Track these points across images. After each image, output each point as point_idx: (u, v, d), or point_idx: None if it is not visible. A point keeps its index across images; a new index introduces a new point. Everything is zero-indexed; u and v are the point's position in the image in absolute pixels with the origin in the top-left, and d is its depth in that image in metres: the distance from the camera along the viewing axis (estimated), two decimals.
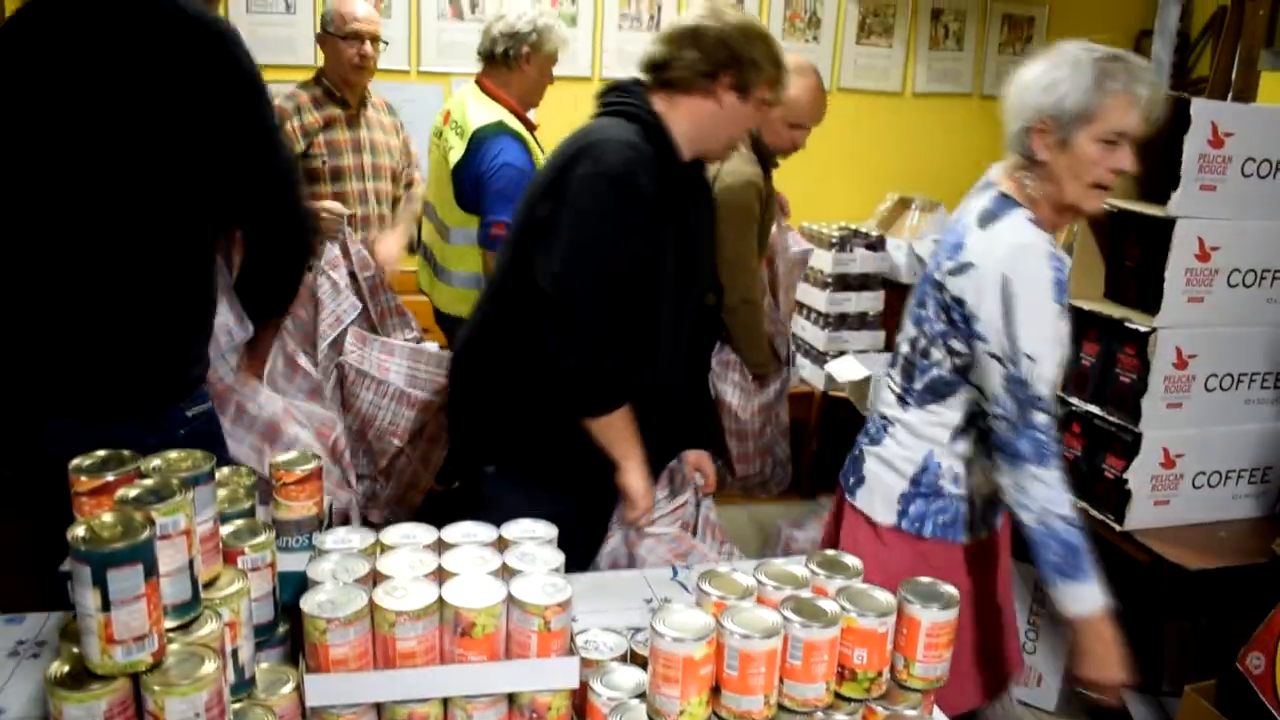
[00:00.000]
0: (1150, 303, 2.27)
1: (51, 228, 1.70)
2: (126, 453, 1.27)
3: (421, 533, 1.41)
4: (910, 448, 1.89)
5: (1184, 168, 2.07)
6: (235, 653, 1.17)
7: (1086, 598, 1.67)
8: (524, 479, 2.02)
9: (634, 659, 1.34)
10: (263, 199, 1.86)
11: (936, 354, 1.83)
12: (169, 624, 1.09)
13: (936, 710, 1.42)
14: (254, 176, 1.82)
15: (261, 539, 1.28)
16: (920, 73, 4.90)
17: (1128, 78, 1.68)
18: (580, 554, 1.96)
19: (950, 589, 1.34)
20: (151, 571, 1.02)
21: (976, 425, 1.84)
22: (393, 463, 3.02)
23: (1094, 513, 2.41)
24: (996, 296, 1.70)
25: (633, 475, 1.95)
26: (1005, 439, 1.72)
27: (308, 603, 1.19)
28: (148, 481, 1.15)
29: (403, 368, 2.97)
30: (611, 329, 1.86)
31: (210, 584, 1.19)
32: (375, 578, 1.27)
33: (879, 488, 1.93)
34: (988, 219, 1.75)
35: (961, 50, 4.94)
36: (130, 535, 1.01)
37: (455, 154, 2.96)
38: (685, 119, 1.91)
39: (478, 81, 3.08)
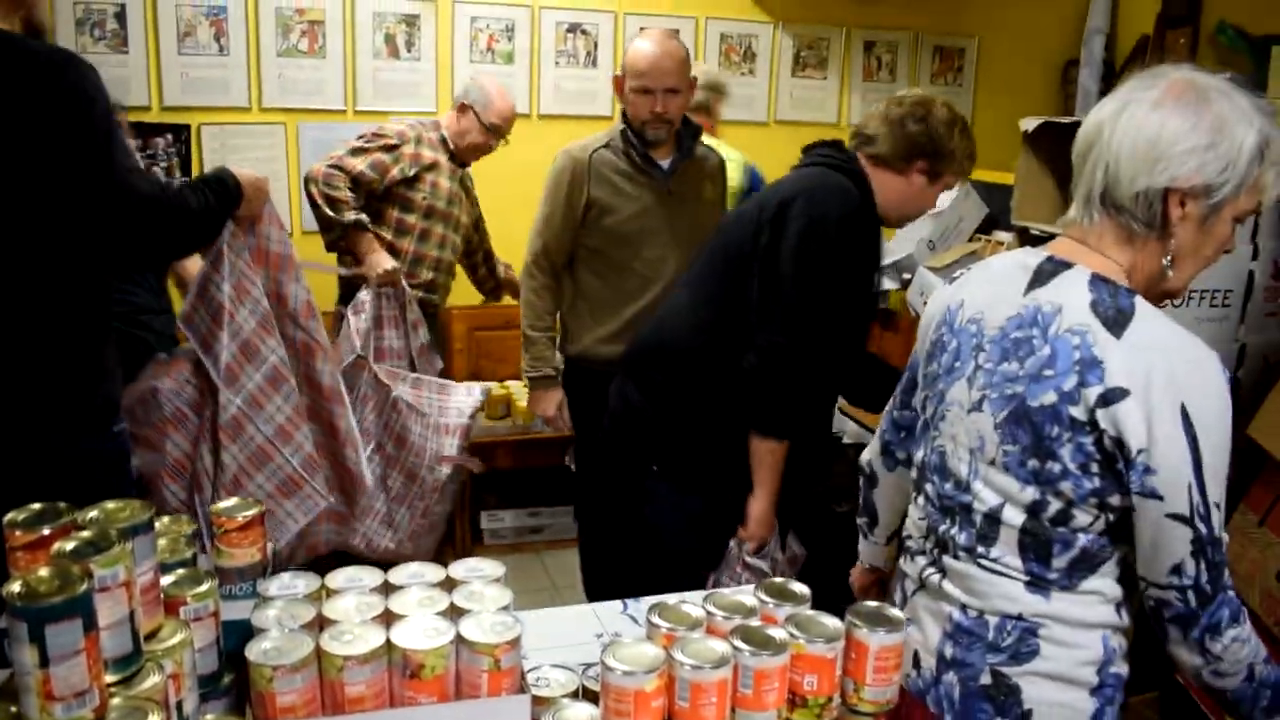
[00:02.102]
0: None
1: None
2: (62, 505, 1.25)
3: (367, 576, 1.40)
4: (1082, 644, 1.40)
5: None
6: (179, 705, 1.15)
7: None
8: (681, 481, 2.29)
9: (586, 694, 1.33)
10: (104, 212, 1.85)
11: (1083, 517, 1.35)
12: (110, 678, 1.07)
13: None
14: (90, 191, 1.82)
15: (204, 588, 1.27)
16: (855, 104, 5.00)
17: None
18: (715, 557, 2.27)
19: (897, 613, 1.36)
20: (90, 625, 1.00)
21: (1128, 584, 1.42)
22: (443, 490, 3.10)
23: None
24: (1178, 436, 1.26)
25: (762, 502, 2.19)
26: (1191, 612, 1.32)
27: (253, 650, 1.18)
28: (85, 533, 1.13)
29: (434, 401, 3.11)
30: (818, 359, 2.14)
31: (152, 635, 1.17)
32: (321, 623, 1.26)
33: (1059, 716, 1.42)
34: (1117, 321, 1.31)
35: (895, 81, 5.05)
36: (67, 589, 0.99)
37: None
38: (880, 191, 2.20)
39: None
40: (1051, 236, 2.41)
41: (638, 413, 2.36)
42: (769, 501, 2.19)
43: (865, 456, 1.84)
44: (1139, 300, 1.33)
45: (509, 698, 1.22)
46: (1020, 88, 5.16)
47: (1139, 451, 1.28)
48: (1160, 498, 1.28)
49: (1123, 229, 1.37)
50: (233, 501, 1.51)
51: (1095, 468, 1.32)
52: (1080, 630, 1.39)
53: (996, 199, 3.49)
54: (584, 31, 4.44)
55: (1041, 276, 1.40)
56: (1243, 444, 2.28)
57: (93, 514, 1.22)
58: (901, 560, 1.60)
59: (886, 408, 1.77)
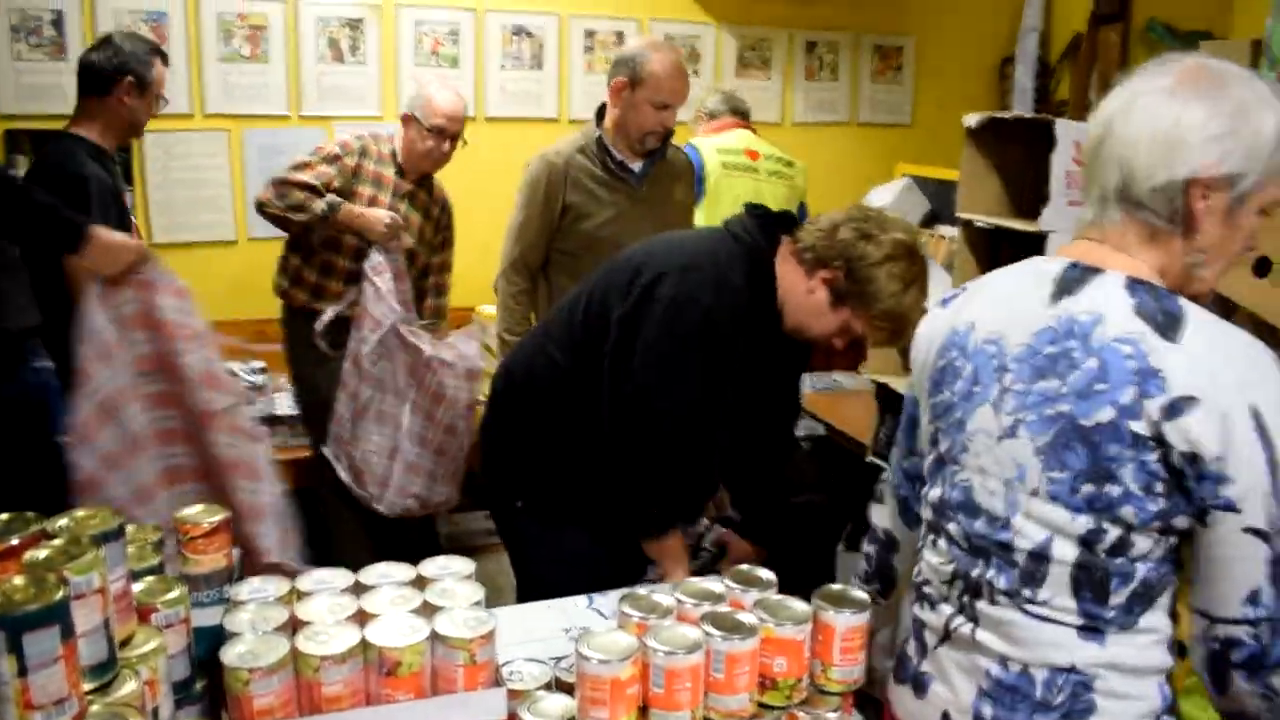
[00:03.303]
0: None
1: None
2: (30, 514, 1.24)
3: (338, 577, 1.41)
4: (1140, 694, 1.26)
5: (1052, 185, 2.20)
6: (155, 711, 1.16)
7: None
8: (552, 518, 2.10)
9: (560, 686, 1.35)
10: None
11: (1144, 543, 1.22)
12: (87, 686, 1.07)
13: (855, 712, 1.47)
14: None
15: (175, 594, 1.27)
16: (799, 103, 5.05)
17: None
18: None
19: (861, 594, 1.40)
20: (68, 633, 1.01)
21: (1175, 618, 1.29)
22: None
23: None
24: (1253, 440, 1.16)
25: (676, 575, 1.97)
26: (1263, 649, 1.18)
27: (228, 654, 1.18)
28: (57, 541, 1.13)
29: (447, 351, 3.11)
30: (676, 454, 1.93)
31: (125, 643, 1.17)
32: (295, 624, 1.27)
33: None
34: (1169, 325, 1.21)
35: (836, 80, 5.11)
36: (44, 596, 0.99)
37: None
38: (783, 279, 1.93)
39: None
40: (996, 230, 2.49)
41: (501, 449, 2.22)
42: (671, 567, 2.00)
43: (876, 520, 1.63)
44: (1183, 301, 1.23)
45: (485, 691, 1.24)
46: (958, 85, 5.25)
47: (1214, 460, 1.16)
48: (1238, 510, 1.17)
49: (1145, 227, 1.27)
50: (198, 508, 1.50)
51: (1160, 487, 1.19)
52: (1137, 679, 1.25)
53: (937, 194, 3.57)
54: (529, 34, 4.45)
55: (1068, 284, 1.28)
56: None
57: (62, 522, 1.21)
58: (917, 609, 1.41)
59: (892, 460, 1.59)
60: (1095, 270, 1.27)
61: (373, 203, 3.12)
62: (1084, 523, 1.22)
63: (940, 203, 3.53)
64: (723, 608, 1.36)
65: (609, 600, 1.84)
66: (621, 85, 2.87)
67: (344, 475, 3.14)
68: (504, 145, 4.23)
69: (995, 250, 2.50)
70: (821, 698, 1.39)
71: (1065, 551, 1.24)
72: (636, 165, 2.97)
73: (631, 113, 2.88)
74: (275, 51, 4.07)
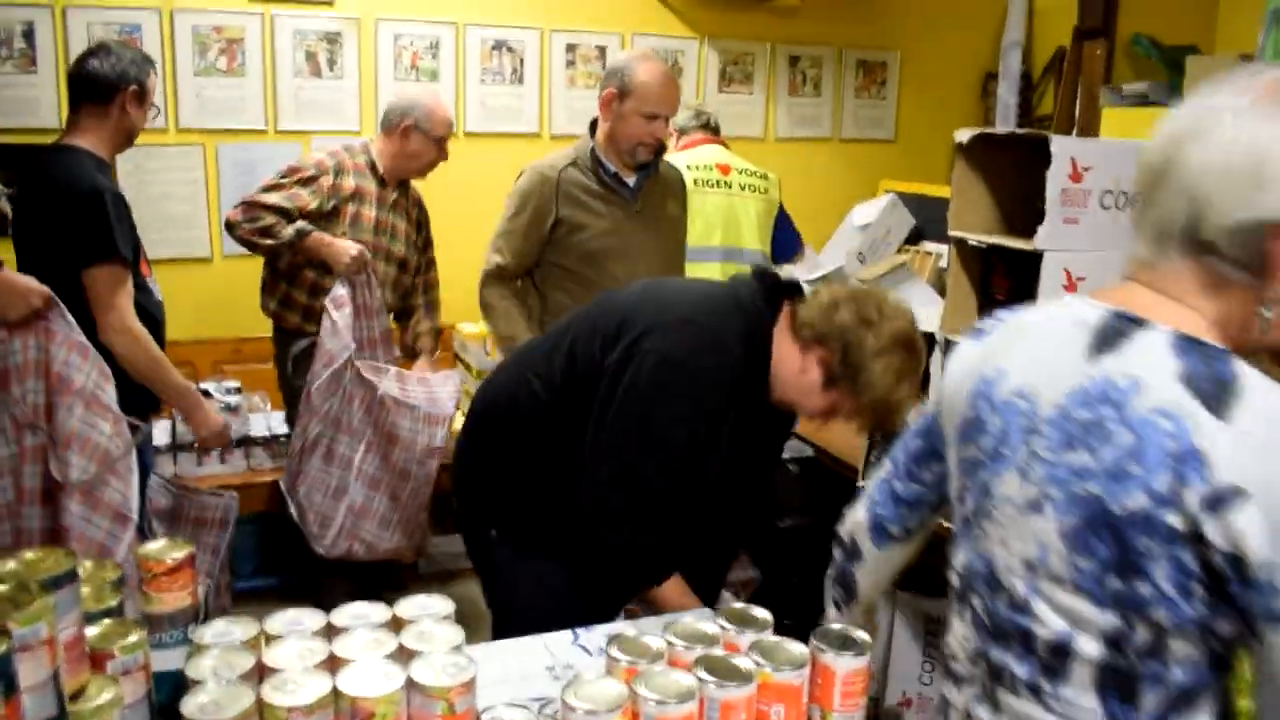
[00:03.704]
0: None
1: None
2: None
3: (308, 618, 1.33)
4: None
5: (1048, 202, 2.14)
6: None
7: None
8: (527, 548, 2.02)
9: None
10: None
11: (1182, 648, 1.07)
12: None
13: None
14: None
15: (133, 639, 1.19)
16: (781, 118, 5.02)
17: None
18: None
19: (863, 635, 1.33)
20: (11, 689, 0.93)
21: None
22: (437, 486, 3.04)
23: None
24: None
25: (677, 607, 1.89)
26: None
27: (188, 706, 1.10)
28: (2, 588, 1.05)
29: (419, 392, 3.06)
30: (655, 515, 1.86)
31: (77, 695, 1.09)
32: (261, 672, 1.19)
33: None
34: (1219, 397, 1.02)
35: (820, 95, 5.09)
36: None
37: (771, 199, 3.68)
38: (777, 351, 1.87)
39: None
40: (990, 249, 2.44)
41: (476, 474, 2.13)
42: (679, 604, 1.91)
43: (846, 528, 1.56)
44: (1238, 365, 1.04)
45: None
46: (941, 101, 5.24)
47: (1262, 566, 0.98)
48: None
49: (1209, 272, 1.08)
50: (160, 543, 1.43)
51: (1198, 589, 1.03)
52: None
53: (923, 210, 3.53)
54: (509, 48, 4.39)
55: (1108, 337, 1.11)
56: None
57: (10, 565, 1.13)
58: (945, 685, 1.31)
59: (880, 474, 1.50)
60: (1140, 322, 1.10)
61: (357, 218, 3.09)
62: (1111, 620, 1.07)
63: (925, 219, 3.49)
64: (717, 650, 1.29)
65: (595, 636, 1.77)
66: (611, 97, 2.84)
67: (292, 510, 3.07)
68: (484, 160, 4.18)
69: (988, 268, 2.45)
70: None
71: (1089, 648, 1.09)
72: (630, 179, 2.92)
73: (621, 124, 2.84)
74: (252, 65, 4.01)
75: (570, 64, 4.52)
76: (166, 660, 1.28)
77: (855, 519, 1.54)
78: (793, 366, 1.85)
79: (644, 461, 1.82)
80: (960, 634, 1.26)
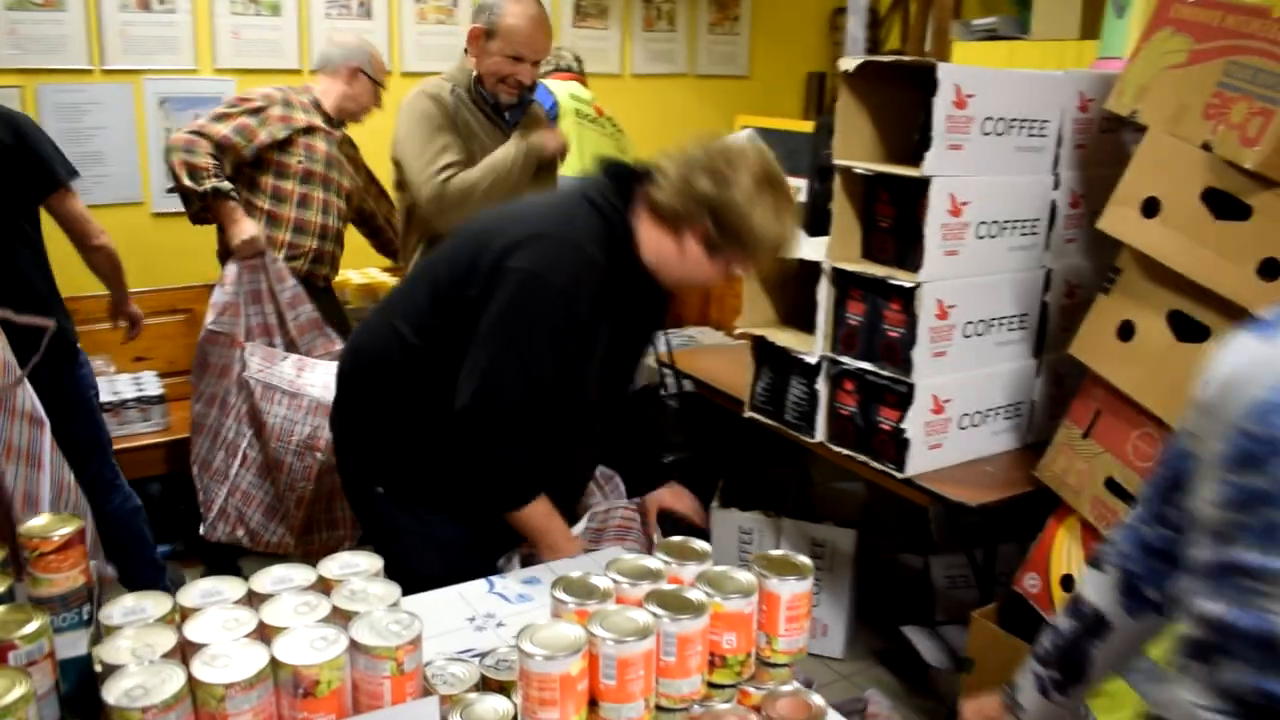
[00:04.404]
0: (906, 260, 2.37)
1: None
2: None
3: (227, 587, 1.24)
4: None
5: (934, 129, 2.17)
6: None
7: None
8: (414, 503, 1.95)
9: (489, 685, 1.23)
10: None
11: None
12: None
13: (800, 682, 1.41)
14: None
15: (35, 626, 1.07)
16: (638, 54, 4.96)
17: None
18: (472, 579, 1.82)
19: (804, 558, 1.33)
20: None
21: None
22: (319, 480, 2.92)
23: (875, 464, 2.50)
24: None
25: (549, 551, 1.86)
26: None
27: (112, 692, 1.00)
28: None
29: (318, 381, 2.94)
30: (528, 430, 1.80)
31: None
32: (186, 649, 1.10)
33: None
34: None
35: (674, 30, 5.04)
36: None
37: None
38: (649, 243, 1.79)
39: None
40: (876, 176, 2.46)
41: (355, 431, 2.04)
42: (553, 541, 1.88)
43: (1089, 595, 1.26)
44: None
45: (416, 703, 1.11)
46: (793, 36, 5.27)
47: None
48: None
49: None
50: (44, 519, 1.30)
51: None
52: None
53: (781, 145, 3.54)
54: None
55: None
56: (1067, 364, 2.41)
57: None
58: None
59: (1128, 520, 1.22)
60: None
61: (311, 149, 3.14)
62: None
63: (782, 153, 3.51)
64: (665, 585, 1.26)
65: (510, 582, 1.73)
66: (478, 33, 2.75)
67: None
68: None
69: (872, 199, 2.48)
70: (768, 671, 1.31)
71: None
72: (508, 113, 2.87)
73: (486, 62, 2.76)
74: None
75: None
76: (66, 647, 1.17)
77: (1100, 585, 1.23)
78: (670, 250, 1.79)
79: (508, 373, 1.76)
80: (1189, 701, 0.99)
